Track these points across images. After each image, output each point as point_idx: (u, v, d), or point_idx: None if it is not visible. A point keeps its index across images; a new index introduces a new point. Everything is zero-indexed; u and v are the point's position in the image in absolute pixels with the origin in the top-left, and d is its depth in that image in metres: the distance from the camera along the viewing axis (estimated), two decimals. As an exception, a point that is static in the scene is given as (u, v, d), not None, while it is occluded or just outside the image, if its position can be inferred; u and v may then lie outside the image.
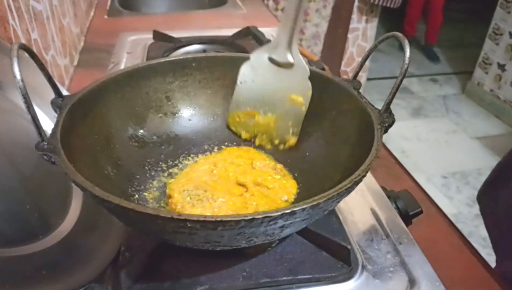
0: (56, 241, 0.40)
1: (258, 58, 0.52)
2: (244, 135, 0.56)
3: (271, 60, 0.52)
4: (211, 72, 0.56)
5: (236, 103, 0.55)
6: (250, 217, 0.30)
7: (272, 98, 0.53)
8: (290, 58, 0.50)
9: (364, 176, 0.36)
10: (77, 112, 0.42)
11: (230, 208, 0.45)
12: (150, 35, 0.96)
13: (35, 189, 0.42)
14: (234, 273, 0.42)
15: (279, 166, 0.52)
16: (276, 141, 0.54)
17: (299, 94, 0.51)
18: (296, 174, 0.51)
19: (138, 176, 0.49)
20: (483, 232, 0.72)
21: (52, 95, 0.41)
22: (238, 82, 0.54)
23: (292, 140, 0.53)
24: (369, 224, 0.49)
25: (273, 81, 0.52)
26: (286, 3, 0.49)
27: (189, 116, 0.56)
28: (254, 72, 0.53)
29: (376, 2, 2.19)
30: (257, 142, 0.55)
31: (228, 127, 0.57)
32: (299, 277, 0.42)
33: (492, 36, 2.55)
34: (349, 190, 0.35)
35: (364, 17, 2.32)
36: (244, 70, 0.53)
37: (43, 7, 0.74)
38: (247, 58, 0.53)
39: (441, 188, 1.97)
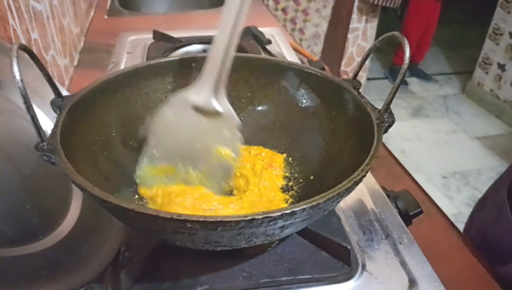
0: (56, 241, 0.40)
1: (179, 102, 0.44)
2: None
3: (194, 106, 0.44)
4: (211, 72, 0.56)
5: (149, 156, 0.46)
6: (250, 218, 0.30)
7: (196, 152, 0.45)
8: (216, 106, 0.43)
9: (364, 176, 0.36)
10: (77, 112, 0.42)
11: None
12: (150, 35, 0.96)
13: (35, 189, 0.42)
14: (234, 273, 0.42)
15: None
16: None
17: (228, 147, 0.45)
18: (296, 174, 0.52)
19: (138, 176, 0.49)
20: (483, 232, 0.73)
21: (52, 95, 0.41)
22: (152, 130, 0.45)
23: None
24: (369, 224, 0.49)
25: (197, 131, 0.44)
26: (212, 43, 0.42)
27: (189, 116, 0.56)
28: (174, 119, 0.45)
29: (376, 2, 2.20)
30: None
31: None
32: (299, 277, 0.42)
33: (492, 36, 2.55)
34: (349, 190, 0.35)
35: (364, 17, 2.32)
36: (160, 118, 0.45)
37: (43, 7, 0.74)
38: (166, 101, 0.45)
39: (441, 188, 1.97)
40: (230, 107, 0.45)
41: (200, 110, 0.44)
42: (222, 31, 0.42)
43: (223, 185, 0.46)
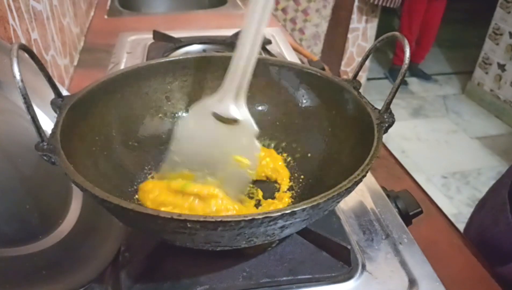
0: (56, 241, 0.40)
1: (200, 111, 0.46)
2: None
3: (214, 115, 0.45)
4: (211, 72, 0.56)
5: (170, 163, 0.47)
6: (250, 218, 0.30)
7: (214, 159, 0.46)
8: (235, 114, 0.45)
9: (364, 176, 0.36)
10: (77, 112, 0.42)
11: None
12: (150, 35, 0.96)
13: (35, 189, 0.42)
14: (234, 273, 0.42)
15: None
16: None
17: (245, 156, 0.45)
18: (296, 174, 0.52)
19: (138, 177, 0.49)
20: (483, 232, 0.73)
21: (52, 95, 0.41)
22: (174, 139, 0.47)
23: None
24: (369, 224, 0.49)
25: (216, 139, 0.46)
26: (235, 53, 0.43)
27: (189, 116, 0.56)
28: (194, 127, 0.46)
29: (376, 2, 2.20)
30: None
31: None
32: (299, 277, 0.42)
33: (492, 36, 2.55)
34: (349, 190, 0.35)
35: (364, 17, 2.32)
36: (183, 125, 0.47)
37: (43, 7, 0.74)
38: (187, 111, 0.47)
39: (441, 188, 1.97)
40: (249, 116, 0.45)
41: (220, 118, 0.45)
42: (243, 40, 0.43)
43: (239, 194, 0.46)
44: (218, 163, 0.46)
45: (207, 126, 0.46)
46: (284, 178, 0.51)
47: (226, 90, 0.45)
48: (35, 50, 0.49)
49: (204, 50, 0.93)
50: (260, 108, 0.56)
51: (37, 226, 0.40)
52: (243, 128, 0.45)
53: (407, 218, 0.51)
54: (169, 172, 0.47)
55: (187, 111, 0.55)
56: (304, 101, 0.53)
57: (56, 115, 0.40)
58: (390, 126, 0.42)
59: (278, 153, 0.54)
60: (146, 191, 0.45)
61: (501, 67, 2.51)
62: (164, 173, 0.48)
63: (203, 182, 0.45)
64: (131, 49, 0.95)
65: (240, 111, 0.45)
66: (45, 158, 0.36)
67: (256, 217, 0.30)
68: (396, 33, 0.42)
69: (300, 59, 0.97)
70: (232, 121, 0.45)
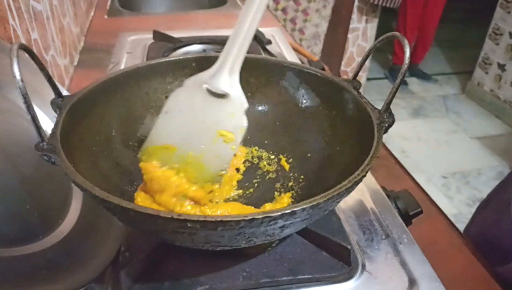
0: (56, 241, 0.40)
1: (193, 84, 0.45)
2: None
3: (207, 89, 0.45)
4: (211, 72, 0.56)
5: (156, 135, 0.46)
6: (250, 217, 0.30)
7: (199, 133, 0.45)
8: (226, 88, 0.45)
9: (364, 176, 0.36)
10: (77, 112, 0.42)
11: None
12: (150, 35, 0.97)
13: (35, 189, 0.42)
14: (234, 273, 0.42)
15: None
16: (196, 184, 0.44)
17: (231, 130, 0.45)
18: (296, 174, 0.52)
19: (138, 177, 0.49)
20: (483, 232, 0.73)
21: (52, 95, 0.41)
22: (163, 111, 0.46)
23: (211, 186, 0.45)
24: (369, 224, 0.49)
25: (205, 113, 0.45)
26: (233, 30, 0.44)
27: (189, 116, 0.56)
28: (184, 101, 0.46)
29: (376, 2, 2.20)
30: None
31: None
32: (299, 277, 0.42)
33: (492, 36, 2.55)
34: (349, 190, 0.35)
35: (364, 17, 2.33)
36: (173, 98, 0.46)
37: (43, 7, 0.74)
38: (180, 84, 0.46)
39: (441, 188, 1.97)
40: (241, 91, 0.45)
41: (212, 93, 0.45)
42: (244, 15, 0.43)
43: (219, 169, 0.45)
44: (202, 136, 0.45)
45: (197, 99, 0.45)
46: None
47: (221, 65, 0.45)
48: (35, 50, 0.49)
49: (204, 50, 0.93)
50: (260, 108, 0.56)
51: (37, 226, 0.40)
52: (233, 102, 0.45)
53: (407, 218, 0.51)
54: (152, 143, 0.46)
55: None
56: (304, 101, 0.53)
57: (56, 115, 0.40)
58: (390, 126, 0.42)
59: (278, 153, 0.54)
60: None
61: (501, 67, 2.51)
62: (147, 145, 0.46)
63: (183, 158, 0.45)
64: (131, 49, 0.95)
65: (232, 85, 0.45)
66: (45, 158, 0.36)
67: (256, 217, 0.30)
68: (396, 33, 0.42)
69: (300, 59, 0.97)
70: (223, 96, 0.45)
